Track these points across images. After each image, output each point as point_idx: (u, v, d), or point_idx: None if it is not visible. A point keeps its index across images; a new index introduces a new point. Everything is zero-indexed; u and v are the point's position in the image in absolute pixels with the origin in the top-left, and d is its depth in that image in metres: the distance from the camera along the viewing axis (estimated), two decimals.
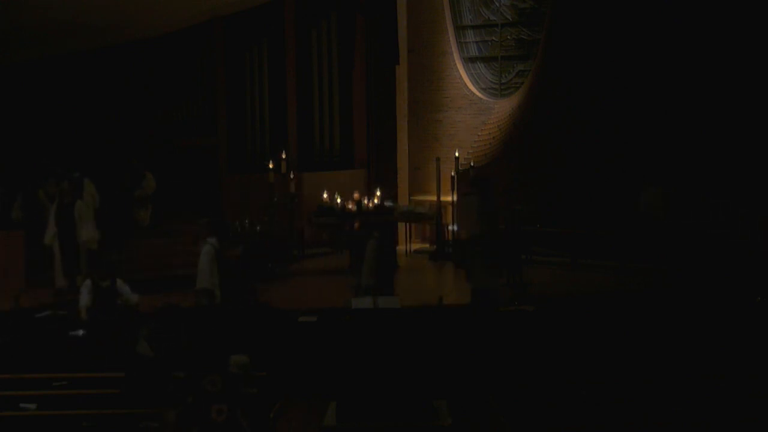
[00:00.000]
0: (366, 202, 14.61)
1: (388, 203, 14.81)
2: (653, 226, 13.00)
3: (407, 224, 15.49)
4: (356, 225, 14.45)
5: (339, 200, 14.51)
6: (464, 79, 16.89)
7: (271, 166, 14.33)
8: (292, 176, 14.77)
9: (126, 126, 16.23)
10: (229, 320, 9.50)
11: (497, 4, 16.59)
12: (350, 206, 14.41)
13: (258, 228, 13.84)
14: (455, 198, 15.12)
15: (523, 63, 16.43)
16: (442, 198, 15.04)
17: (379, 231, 10.97)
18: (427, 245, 15.80)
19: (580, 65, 14.68)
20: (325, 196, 14.70)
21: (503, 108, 16.30)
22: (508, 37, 16.59)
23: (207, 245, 10.11)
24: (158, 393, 7.11)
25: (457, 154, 15.28)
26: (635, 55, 14.10)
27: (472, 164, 14.99)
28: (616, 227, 13.33)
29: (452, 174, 14.96)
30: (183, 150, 16.25)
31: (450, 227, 15.18)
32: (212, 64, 16.35)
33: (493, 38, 16.76)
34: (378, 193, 14.91)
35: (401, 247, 15.50)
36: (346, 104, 16.62)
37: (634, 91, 14.12)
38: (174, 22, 15.54)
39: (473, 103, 16.77)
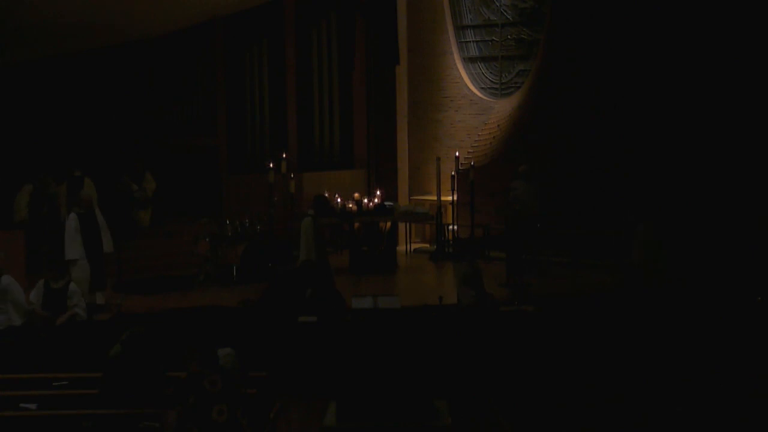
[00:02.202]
0: (366, 202, 14.63)
1: (388, 203, 14.82)
2: (526, 220, 13.17)
3: (407, 224, 15.50)
4: (356, 225, 14.48)
5: (339, 200, 14.52)
6: (464, 79, 16.89)
7: (271, 166, 14.34)
8: (292, 176, 14.78)
9: (126, 126, 16.23)
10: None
11: (497, 4, 16.59)
12: (350, 206, 14.42)
13: (258, 228, 13.84)
14: (454, 198, 15.14)
15: (523, 63, 16.43)
16: (442, 198, 15.04)
17: (471, 253, 11.01)
18: (427, 245, 15.80)
19: (580, 65, 14.69)
20: (325, 196, 14.69)
21: (503, 108, 16.31)
22: (508, 36, 16.59)
23: (306, 217, 10.61)
24: (130, 395, 7.11)
25: (457, 154, 15.29)
26: (635, 55, 14.10)
27: (472, 164, 15.00)
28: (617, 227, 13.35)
29: (452, 174, 14.97)
30: (183, 150, 16.26)
31: (450, 227, 15.19)
32: (212, 64, 16.36)
33: (493, 38, 16.76)
34: (378, 193, 14.93)
35: (401, 247, 15.51)
36: (346, 104, 16.63)
37: (635, 91, 14.12)
38: (174, 22, 15.54)
39: (473, 103, 16.77)
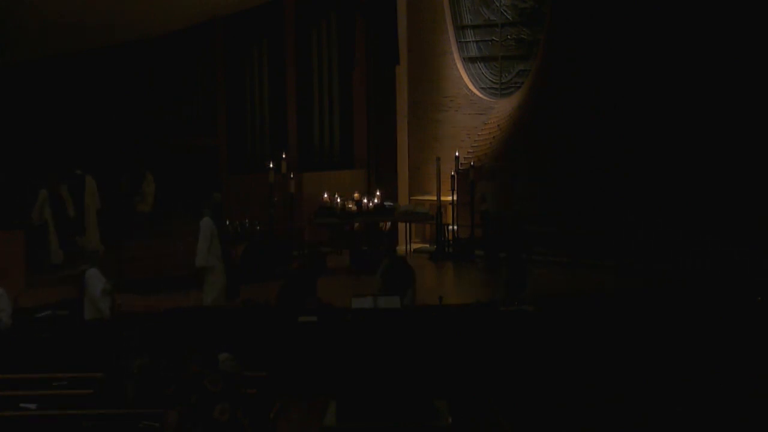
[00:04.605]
0: (366, 202, 14.63)
1: (388, 203, 14.82)
2: (497, 220, 13.25)
3: (407, 224, 15.51)
4: (356, 225, 14.49)
5: (339, 200, 14.52)
6: (464, 79, 16.89)
7: (271, 166, 14.34)
8: (292, 176, 14.79)
9: (126, 126, 16.23)
10: None
11: (497, 4, 16.60)
12: (350, 206, 14.43)
13: (258, 228, 13.84)
14: (454, 198, 15.14)
15: (523, 63, 16.43)
16: (442, 198, 15.05)
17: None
18: (427, 245, 15.80)
19: (580, 65, 14.69)
20: (325, 196, 14.71)
21: (503, 108, 16.31)
22: (509, 36, 16.60)
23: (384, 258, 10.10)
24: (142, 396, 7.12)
25: (457, 154, 15.29)
26: (635, 55, 14.10)
27: (472, 164, 15.00)
28: (616, 227, 13.36)
29: (452, 174, 14.97)
30: (183, 150, 16.25)
31: (450, 227, 15.19)
32: (212, 64, 16.34)
33: (494, 38, 16.77)
34: (378, 193, 14.93)
35: (401, 247, 15.51)
36: (346, 104, 16.62)
37: (635, 91, 14.12)
38: (174, 22, 15.52)
39: (473, 103, 16.77)
